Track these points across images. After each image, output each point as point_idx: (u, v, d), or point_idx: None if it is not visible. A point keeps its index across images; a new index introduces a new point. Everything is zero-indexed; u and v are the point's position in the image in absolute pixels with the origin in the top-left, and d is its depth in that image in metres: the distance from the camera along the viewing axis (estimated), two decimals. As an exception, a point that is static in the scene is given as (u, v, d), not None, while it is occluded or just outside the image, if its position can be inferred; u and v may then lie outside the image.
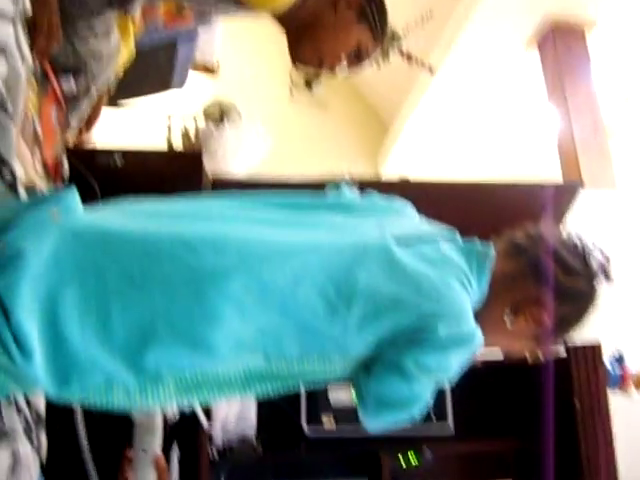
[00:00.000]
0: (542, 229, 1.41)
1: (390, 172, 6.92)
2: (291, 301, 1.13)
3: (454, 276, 1.24)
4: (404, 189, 2.54)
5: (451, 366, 1.23)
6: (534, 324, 1.34)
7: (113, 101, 2.10)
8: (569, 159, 4.67)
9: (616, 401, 2.81)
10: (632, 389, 2.90)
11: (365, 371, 1.24)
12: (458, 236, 1.38)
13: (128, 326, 1.05)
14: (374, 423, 1.27)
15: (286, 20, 1.77)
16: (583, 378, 2.67)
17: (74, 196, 1.13)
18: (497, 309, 1.34)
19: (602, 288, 1.37)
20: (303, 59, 1.85)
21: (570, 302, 1.36)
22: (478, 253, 1.32)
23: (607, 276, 1.37)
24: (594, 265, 1.36)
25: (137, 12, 1.89)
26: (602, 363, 2.69)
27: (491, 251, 1.34)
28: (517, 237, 1.40)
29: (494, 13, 4.87)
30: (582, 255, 1.36)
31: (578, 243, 1.38)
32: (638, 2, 4.82)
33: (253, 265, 1.12)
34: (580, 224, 3.07)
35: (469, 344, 1.22)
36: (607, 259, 1.38)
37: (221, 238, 1.14)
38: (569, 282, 1.33)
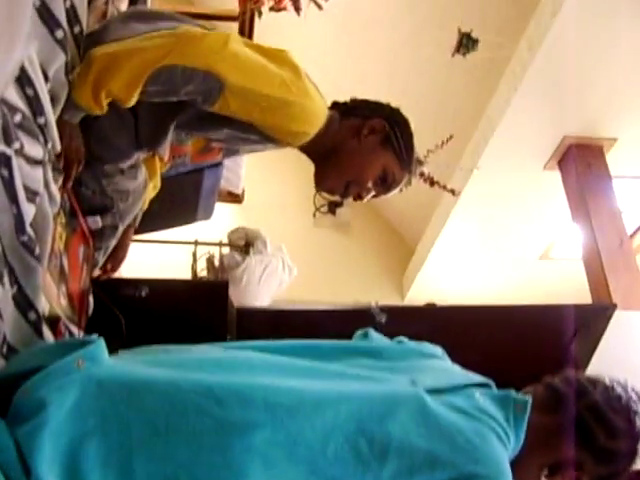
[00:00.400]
0: (583, 378, 1.34)
1: (416, 295, 6.89)
2: (320, 457, 1.08)
3: (491, 429, 1.19)
4: (431, 315, 2.51)
5: None
6: None
7: (139, 234, 2.11)
8: (597, 279, 4.62)
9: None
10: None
11: None
12: (492, 385, 1.33)
13: (151, 478, 1.01)
14: None
15: (311, 149, 1.78)
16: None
17: (100, 345, 1.12)
18: (534, 465, 1.28)
19: None
20: (329, 187, 1.85)
21: (611, 463, 1.28)
22: (515, 403, 1.26)
23: None
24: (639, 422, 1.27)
25: (166, 152, 1.93)
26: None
27: (529, 402, 1.27)
28: (556, 386, 1.34)
29: (513, 135, 4.96)
30: (627, 410, 1.28)
31: (623, 394, 1.30)
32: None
33: (280, 418, 1.08)
34: (614, 348, 3.01)
35: None
36: None
37: (247, 389, 1.11)
38: (611, 444, 1.26)
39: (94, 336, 1.16)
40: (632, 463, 1.30)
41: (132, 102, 1.55)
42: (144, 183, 2.02)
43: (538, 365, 2.23)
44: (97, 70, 1.48)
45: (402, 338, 1.50)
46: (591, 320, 2.46)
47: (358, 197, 1.83)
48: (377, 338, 1.52)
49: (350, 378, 1.22)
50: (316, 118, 1.67)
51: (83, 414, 1.02)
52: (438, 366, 1.39)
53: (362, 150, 1.77)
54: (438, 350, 1.49)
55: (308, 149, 1.78)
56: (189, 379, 1.10)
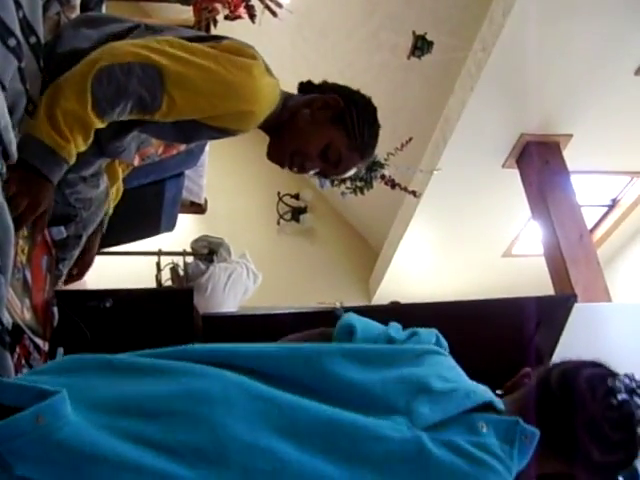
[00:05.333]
0: (582, 378, 1.23)
1: (383, 298, 6.92)
2: None
3: (494, 474, 1.10)
4: (396, 313, 2.52)
5: None
6: None
7: (103, 248, 2.09)
8: (559, 273, 4.69)
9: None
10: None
11: None
12: (496, 402, 1.23)
13: None
14: None
15: (267, 124, 1.79)
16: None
17: (63, 397, 1.00)
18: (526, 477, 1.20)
19: None
20: (276, 157, 1.84)
21: (606, 474, 1.22)
22: (522, 436, 1.16)
23: None
24: None
25: (134, 158, 1.91)
26: None
27: (536, 435, 1.16)
28: (551, 390, 1.24)
29: (471, 135, 5.02)
30: (628, 419, 1.18)
31: (626, 399, 1.19)
32: (610, 112, 4.98)
33: None
34: (577, 339, 3.05)
35: None
36: None
37: (220, 446, 1.01)
38: (606, 459, 1.18)
39: (54, 373, 1.10)
40: (630, 465, 1.21)
41: (99, 119, 1.54)
42: (106, 190, 2.01)
43: (503, 359, 2.25)
44: (45, 104, 1.49)
45: (393, 330, 1.38)
46: (553, 311, 2.48)
47: (302, 169, 1.82)
48: (362, 334, 1.36)
49: (342, 437, 1.09)
50: (262, 96, 1.67)
51: (38, 473, 0.95)
52: (436, 372, 1.25)
53: (311, 122, 1.78)
54: (432, 337, 1.37)
55: (265, 125, 1.79)
56: (162, 444, 0.99)
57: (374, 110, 1.85)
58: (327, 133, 1.78)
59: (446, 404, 1.18)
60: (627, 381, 1.22)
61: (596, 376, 1.24)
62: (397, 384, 1.20)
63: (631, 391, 1.20)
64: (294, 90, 1.87)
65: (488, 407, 1.22)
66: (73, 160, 1.54)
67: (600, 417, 1.17)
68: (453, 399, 1.19)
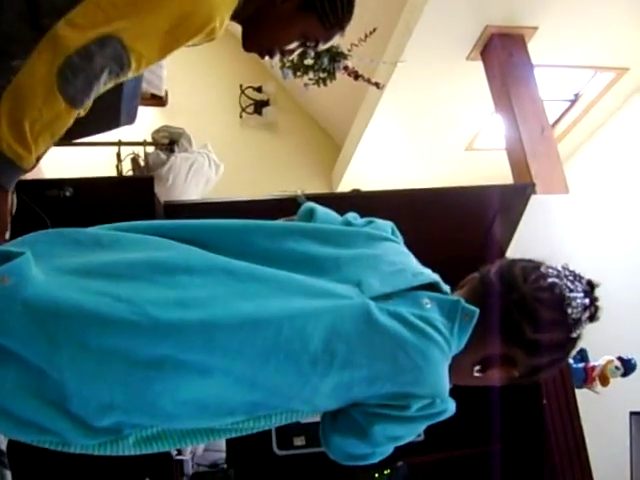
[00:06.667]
0: (517, 267, 1.28)
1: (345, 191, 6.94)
2: (260, 371, 1.06)
3: (434, 343, 1.16)
4: (356, 201, 2.54)
5: (419, 431, 1.21)
6: (504, 377, 1.28)
7: (63, 141, 2.04)
8: (519, 166, 4.72)
9: (582, 396, 2.84)
10: (597, 385, 2.92)
11: (332, 420, 1.21)
12: (440, 284, 1.29)
13: (85, 397, 1.00)
14: (336, 458, 1.24)
15: (238, 20, 1.75)
16: (549, 377, 2.69)
17: (27, 259, 1.03)
18: (466, 363, 1.27)
19: (582, 331, 1.26)
20: (253, 51, 1.82)
21: (544, 355, 1.27)
22: (462, 314, 1.22)
23: (592, 318, 1.26)
24: (574, 311, 1.23)
25: None
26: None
27: (476, 313, 1.22)
28: (489, 279, 1.29)
29: (435, 26, 4.94)
30: (559, 300, 1.23)
31: (557, 282, 1.24)
32: (577, 5, 4.92)
33: (218, 337, 1.03)
34: (534, 231, 3.12)
35: (440, 417, 1.18)
36: (592, 297, 1.26)
37: (181, 302, 1.05)
38: (539, 337, 1.23)
39: (17, 246, 1.10)
40: (570, 350, 1.28)
41: (78, 109, 1.54)
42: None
43: (461, 247, 2.30)
44: (5, 114, 1.44)
45: (351, 216, 1.44)
46: (511, 201, 2.53)
47: (282, 56, 1.83)
48: (323, 216, 1.42)
49: (293, 290, 1.14)
50: (218, 6, 1.60)
51: (6, 334, 0.98)
52: (387, 255, 1.31)
53: (279, 16, 1.74)
54: (388, 228, 1.42)
55: (234, 19, 1.75)
56: (122, 296, 1.03)
57: None
58: (298, 24, 1.74)
59: (394, 280, 1.23)
60: (559, 268, 1.28)
61: (530, 265, 1.30)
62: (350, 260, 1.26)
63: (563, 276, 1.26)
64: None
65: (434, 289, 1.28)
66: (32, 164, 1.54)
67: (531, 297, 1.23)
68: (402, 276, 1.25)
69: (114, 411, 1.02)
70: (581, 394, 2.85)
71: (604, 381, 2.92)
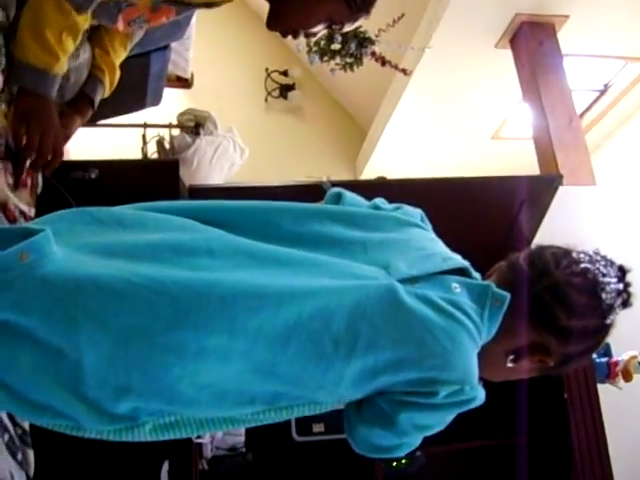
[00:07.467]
0: (548, 253, 1.26)
1: (369, 177, 6.90)
2: (281, 358, 1.04)
3: (463, 328, 1.13)
4: (382, 188, 2.53)
5: (447, 421, 1.18)
6: (537, 367, 1.26)
7: (88, 121, 2.04)
8: (546, 156, 4.67)
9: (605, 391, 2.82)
10: (620, 380, 2.89)
11: (357, 409, 1.18)
12: (470, 270, 1.26)
13: (102, 378, 0.99)
14: (361, 451, 1.23)
15: None
16: (571, 371, 2.67)
17: (47, 236, 1.01)
18: (499, 352, 1.24)
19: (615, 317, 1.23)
20: (277, 31, 1.79)
21: (578, 342, 1.24)
22: (493, 299, 1.19)
23: (625, 304, 1.24)
24: (608, 296, 1.20)
25: (118, 21, 1.86)
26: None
27: (507, 298, 1.19)
28: (519, 266, 1.27)
29: (464, 13, 4.89)
30: (593, 285, 1.21)
31: (590, 268, 1.21)
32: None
33: (239, 316, 1.01)
34: (560, 222, 3.09)
35: (469, 405, 1.15)
36: (625, 283, 1.25)
37: (204, 286, 1.02)
38: (574, 323, 1.20)
39: (39, 224, 1.09)
40: (602, 338, 1.25)
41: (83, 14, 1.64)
42: (86, 61, 1.95)
43: (486, 238, 2.29)
44: (26, 28, 1.58)
45: (379, 201, 1.41)
46: (538, 192, 2.50)
47: (308, 36, 1.81)
48: (350, 200, 1.41)
49: (318, 272, 1.12)
50: None
51: (25, 312, 0.96)
52: (416, 240, 1.29)
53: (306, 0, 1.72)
54: (417, 215, 1.40)
55: None
56: (141, 273, 1.01)
57: None
58: (325, 6, 1.71)
59: (423, 263, 1.21)
60: (591, 253, 1.26)
61: (561, 250, 1.28)
62: (378, 244, 1.25)
63: (595, 261, 1.24)
64: None
65: (464, 274, 1.25)
66: (65, 69, 1.69)
67: (564, 282, 1.21)
68: (431, 260, 1.23)
69: (130, 395, 1.00)
70: (603, 389, 2.83)
71: (627, 376, 2.89)
